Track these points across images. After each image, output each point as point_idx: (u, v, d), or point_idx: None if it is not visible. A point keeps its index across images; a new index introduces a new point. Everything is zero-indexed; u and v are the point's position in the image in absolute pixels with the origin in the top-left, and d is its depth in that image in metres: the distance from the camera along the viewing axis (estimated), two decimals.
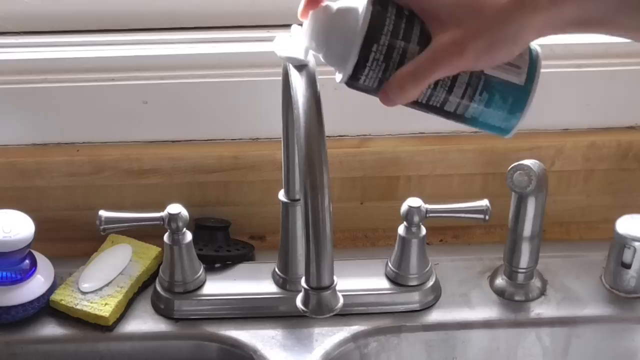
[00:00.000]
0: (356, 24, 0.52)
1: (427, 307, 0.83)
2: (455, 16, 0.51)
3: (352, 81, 0.54)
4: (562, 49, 0.86)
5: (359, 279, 0.83)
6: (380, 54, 0.52)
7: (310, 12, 0.55)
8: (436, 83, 0.53)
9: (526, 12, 0.50)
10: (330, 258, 0.53)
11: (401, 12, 0.53)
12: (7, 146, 0.88)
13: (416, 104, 0.55)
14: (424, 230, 0.81)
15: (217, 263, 0.86)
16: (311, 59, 0.58)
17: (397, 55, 0.52)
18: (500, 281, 0.85)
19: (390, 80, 0.53)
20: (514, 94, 0.54)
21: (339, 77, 0.55)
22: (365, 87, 0.54)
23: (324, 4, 0.54)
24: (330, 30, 0.54)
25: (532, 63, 0.54)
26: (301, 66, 0.56)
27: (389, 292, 0.83)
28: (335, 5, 0.55)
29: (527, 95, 0.54)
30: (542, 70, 0.78)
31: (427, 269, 0.83)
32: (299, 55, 0.57)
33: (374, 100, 0.91)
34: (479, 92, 0.53)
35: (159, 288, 0.83)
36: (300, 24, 0.62)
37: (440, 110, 0.55)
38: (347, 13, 0.54)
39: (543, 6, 0.49)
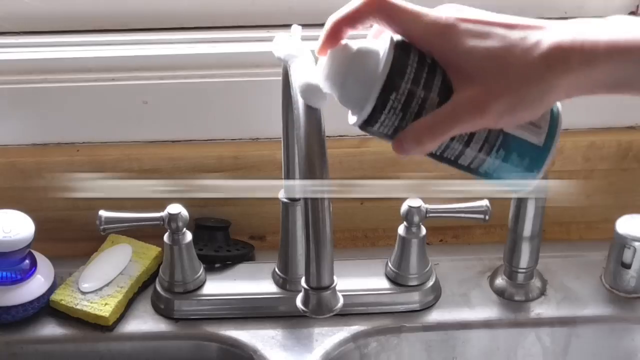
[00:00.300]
0: (376, 68, 0.50)
1: (427, 307, 0.83)
2: (480, 71, 0.49)
3: (366, 126, 0.52)
4: None
5: (359, 279, 0.83)
6: (398, 103, 0.50)
7: (329, 51, 0.52)
8: (453, 137, 0.51)
9: (556, 72, 0.48)
10: (330, 258, 0.53)
11: (423, 60, 0.50)
12: (7, 146, 0.88)
13: (429, 154, 0.53)
14: (424, 230, 0.81)
15: (217, 263, 0.86)
16: (309, 55, 0.57)
17: (415, 105, 0.50)
18: (500, 281, 0.85)
19: (407, 130, 0.51)
20: (532, 153, 0.52)
21: (352, 119, 0.53)
22: (378, 133, 0.52)
23: (343, 42, 0.52)
24: (348, 72, 0.51)
25: (553, 122, 0.52)
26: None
27: (389, 292, 0.83)
28: (355, 45, 0.52)
29: (545, 156, 0.52)
30: None
31: (427, 269, 0.83)
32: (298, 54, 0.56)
33: None
34: (495, 149, 0.52)
35: (159, 288, 0.83)
36: (301, 25, 0.62)
37: (453, 163, 0.53)
38: (367, 55, 0.51)
39: (574, 67, 0.47)
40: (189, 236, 0.80)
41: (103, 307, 0.80)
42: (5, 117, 0.87)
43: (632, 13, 0.91)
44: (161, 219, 0.79)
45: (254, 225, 0.92)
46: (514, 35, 0.49)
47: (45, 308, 0.82)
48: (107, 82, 0.85)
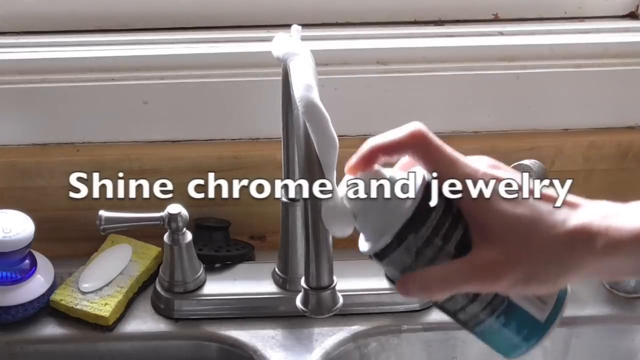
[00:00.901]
0: (402, 205, 0.49)
1: (427, 307, 0.83)
2: (504, 235, 0.48)
3: (376, 257, 0.51)
4: (562, 49, 0.86)
5: (359, 279, 0.83)
6: (414, 245, 0.49)
7: (359, 173, 0.51)
8: None
9: (577, 255, 0.47)
10: (330, 258, 0.53)
11: (449, 209, 0.49)
12: (7, 146, 0.88)
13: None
14: None
15: (217, 263, 0.86)
16: (309, 55, 0.57)
17: (430, 252, 0.49)
18: None
19: (417, 276, 0.49)
20: (531, 327, 0.51)
21: (364, 246, 0.51)
22: (386, 266, 0.51)
23: (375, 167, 0.51)
24: (373, 200, 0.50)
25: (559, 303, 0.51)
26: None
27: (389, 292, 0.83)
28: (387, 173, 0.51)
29: (543, 333, 0.51)
30: (542, 70, 0.77)
31: None
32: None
33: (373, 100, 0.91)
34: (497, 314, 0.51)
35: (159, 288, 0.83)
36: (301, 25, 0.62)
37: (451, 315, 0.52)
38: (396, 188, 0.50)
39: (597, 252, 0.47)
40: (189, 236, 0.80)
41: (103, 307, 0.80)
42: (5, 117, 0.87)
43: (632, 13, 0.91)
44: (161, 219, 0.79)
45: (254, 225, 0.92)
46: (544, 207, 0.48)
47: (45, 308, 0.82)
48: (107, 82, 0.85)
